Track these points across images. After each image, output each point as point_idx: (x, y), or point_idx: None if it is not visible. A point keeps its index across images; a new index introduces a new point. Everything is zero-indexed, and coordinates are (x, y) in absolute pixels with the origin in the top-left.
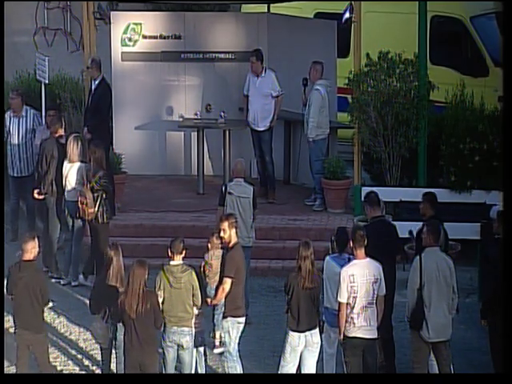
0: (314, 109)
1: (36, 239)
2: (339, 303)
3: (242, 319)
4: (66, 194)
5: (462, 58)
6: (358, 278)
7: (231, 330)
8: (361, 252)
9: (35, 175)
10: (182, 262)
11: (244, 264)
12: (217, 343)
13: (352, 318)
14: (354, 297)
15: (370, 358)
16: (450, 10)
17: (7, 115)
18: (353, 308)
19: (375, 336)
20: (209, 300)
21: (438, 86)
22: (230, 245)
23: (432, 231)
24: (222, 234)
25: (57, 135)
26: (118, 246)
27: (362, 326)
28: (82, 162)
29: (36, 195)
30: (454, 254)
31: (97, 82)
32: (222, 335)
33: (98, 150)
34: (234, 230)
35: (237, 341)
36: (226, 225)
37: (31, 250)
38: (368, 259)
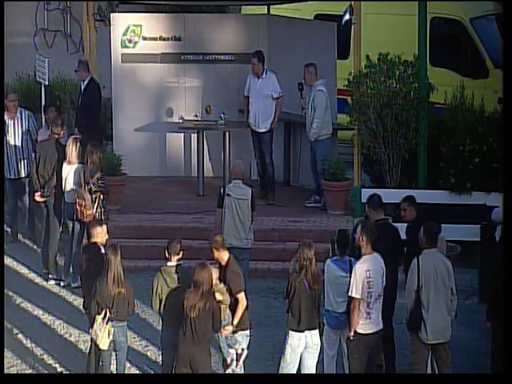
0: (319, 110)
1: (104, 226)
2: (352, 299)
3: (248, 331)
4: (65, 195)
5: (461, 60)
6: (373, 272)
7: (244, 344)
8: (370, 247)
9: (34, 177)
10: (179, 262)
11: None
12: (229, 360)
13: (369, 313)
14: (369, 292)
15: (375, 351)
16: (449, 12)
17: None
18: (369, 303)
19: (382, 327)
20: (229, 328)
21: (437, 88)
22: (225, 262)
23: (429, 233)
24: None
25: (57, 136)
26: (117, 247)
27: (375, 319)
28: (79, 163)
29: (38, 198)
30: (454, 256)
31: (86, 83)
32: (237, 349)
33: (95, 152)
34: (219, 250)
35: None
36: (211, 249)
37: (97, 234)
38: (375, 253)
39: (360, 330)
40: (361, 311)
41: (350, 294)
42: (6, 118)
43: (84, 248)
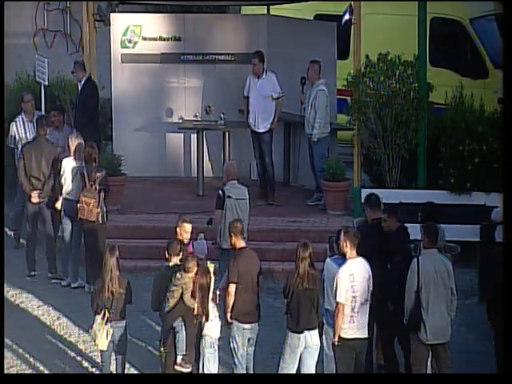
0: (321, 110)
1: (190, 224)
2: (338, 304)
3: (249, 326)
4: (65, 194)
5: (461, 60)
6: (356, 276)
7: (237, 336)
8: (354, 251)
9: (24, 179)
10: (178, 263)
11: (251, 268)
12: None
13: (352, 316)
14: (353, 296)
15: (363, 357)
16: (449, 12)
17: (19, 120)
18: (353, 308)
19: (367, 335)
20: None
21: (436, 88)
22: (236, 249)
23: (429, 233)
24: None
25: (44, 135)
26: (114, 248)
27: (360, 324)
28: (80, 161)
29: (35, 199)
30: (454, 256)
31: (82, 83)
32: (230, 340)
33: (95, 150)
34: (233, 236)
35: (246, 348)
36: (229, 233)
37: (182, 231)
38: (360, 258)
39: (344, 335)
40: (345, 315)
41: (334, 298)
42: (25, 120)
43: (170, 245)
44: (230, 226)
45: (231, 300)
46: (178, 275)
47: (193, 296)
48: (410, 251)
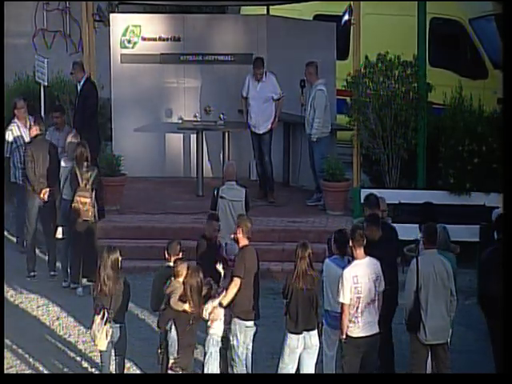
0: (320, 109)
1: (218, 223)
2: (342, 304)
3: (250, 323)
4: (63, 193)
5: (461, 60)
6: (361, 278)
7: (238, 333)
8: (360, 251)
9: (34, 178)
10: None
11: (255, 267)
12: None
13: (356, 317)
14: (357, 297)
15: (372, 355)
16: (449, 12)
17: (15, 127)
18: (357, 308)
19: (377, 330)
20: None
21: (435, 88)
22: (240, 246)
23: (428, 234)
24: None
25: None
26: (111, 248)
27: (365, 323)
28: (71, 159)
29: (47, 196)
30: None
31: (82, 83)
32: (231, 338)
33: (87, 149)
34: (239, 230)
35: (246, 345)
36: (238, 226)
37: (208, 229)
38: (367, 258)
39: (349, 333)
40: (349, 315)
41: (338, 299)
42: (20, 126)
43: (199, 244)
44: (241, 221)
45: (234, 292)
46: (168, 283)
47: (181, 299)
48: (394, 263)
